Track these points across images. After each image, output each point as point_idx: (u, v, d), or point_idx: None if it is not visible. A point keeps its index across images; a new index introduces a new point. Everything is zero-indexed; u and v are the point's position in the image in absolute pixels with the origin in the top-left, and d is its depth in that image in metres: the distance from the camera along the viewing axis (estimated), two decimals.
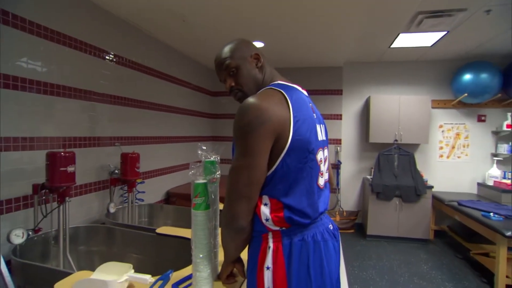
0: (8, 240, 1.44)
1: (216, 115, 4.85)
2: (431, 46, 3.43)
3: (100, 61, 2.33)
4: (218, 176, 1.02)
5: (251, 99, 0.86)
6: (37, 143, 1.81)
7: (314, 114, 0.99)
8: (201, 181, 0.97)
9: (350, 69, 4.43)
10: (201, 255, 0.96)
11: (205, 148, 1.07)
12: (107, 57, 2.40)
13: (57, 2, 1.95)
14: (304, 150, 0.88)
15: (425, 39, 3.21)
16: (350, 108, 4.48)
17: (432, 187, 3.79)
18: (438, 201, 3.80)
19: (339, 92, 4.44)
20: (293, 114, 0.87)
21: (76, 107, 2.11)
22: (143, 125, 2.89)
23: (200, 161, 1.05)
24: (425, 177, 4.00)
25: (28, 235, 1.55)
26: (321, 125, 1.04)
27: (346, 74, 4.45)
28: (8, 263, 1.57)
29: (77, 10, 2.10)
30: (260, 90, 0.95)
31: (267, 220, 0.88)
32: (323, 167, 0.99)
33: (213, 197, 1.01)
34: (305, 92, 1.05)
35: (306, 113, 0.92)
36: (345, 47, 3.46)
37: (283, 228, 0.89)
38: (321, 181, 0.97)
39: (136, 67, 2.77)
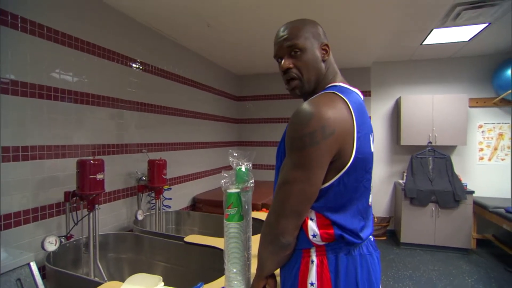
0: (42, 247, 1.46)
1: (242, 120, 4.82)
2: (469, 40, 3.19)
3: (127, 69, 2.36)
4: (251, 184, 0.95)
5: (312, 105, 0.76)
6: (68, 151, 1.85)
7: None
8: (234, 190, 0.91)
9: (379, 69, 4.24)
10: (234, 270, 0.90)
11: (236, 154, 1.00)
12: (134, 65, 2.43)
13: (86, 13, 1.99)
14: (363, 169, 0.80)
15: (462, 33, 2.99)
16: (379, 110, 4.29)
17: (472, 192, 3.51)
18: (480, 207, 3.51)
19: (367, 93, 4.26)
20: (356, 128, 0.77)
21: (104, 115, 2.14)
22: (169, 132, 2.91)
23: (226, 168, 0.99)
24: (464, 181, 3.71)
25: (61, 242, 1.56)
26: (371, 133, 0.93)
27: (374, 74, 4.26)
28: (42, 269, 1.60)
29: (105, 20, 2.15)
30: (320, 93, 0.84)
31: (314, 236, 0.81)
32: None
33: (246, 207, 0.94)
34: (362, 96, 0.93)
35: (367, 125, 0.83)
36: (374, 47, 3.31)
37: (329, 242, 0.81)
38: (370, 198, 0.91)
39: (162, 74, 2.79)
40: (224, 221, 0.91)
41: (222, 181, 0.91)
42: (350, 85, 0.91)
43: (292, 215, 0.78)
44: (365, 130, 0.81)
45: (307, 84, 0.88)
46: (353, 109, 0.79)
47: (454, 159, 3.85)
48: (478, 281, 2.89)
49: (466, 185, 3.62)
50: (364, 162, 0.80)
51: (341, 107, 0.78)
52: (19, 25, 1.58)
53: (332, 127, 0.73)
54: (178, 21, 2.49)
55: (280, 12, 2.33)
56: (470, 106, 3.86)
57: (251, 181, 0.96)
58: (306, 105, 0.77)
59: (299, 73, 0.87)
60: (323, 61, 0.88)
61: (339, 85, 0.87)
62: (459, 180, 3.59)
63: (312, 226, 0.80)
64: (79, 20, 1.93)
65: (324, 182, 0.78)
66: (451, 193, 3.49)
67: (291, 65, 0.86)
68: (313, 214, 0.81)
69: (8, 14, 1.53)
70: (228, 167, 1.01)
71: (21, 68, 1.60)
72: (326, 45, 0.89)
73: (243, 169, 0.99)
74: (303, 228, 0.82)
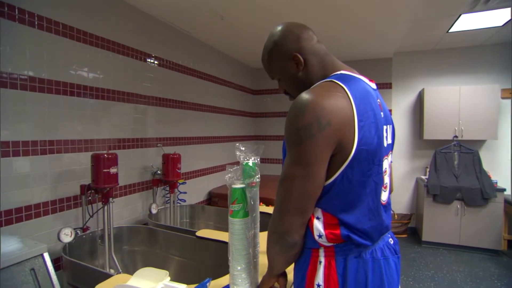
0: (58, 238, 1.50)
1: (259, 113, 4.79)
2: (503, 25, 2.96)
3: (143, 64, 2.38)
4: (257, 180, 0.92)
5: (306, 96, 0.72)
6: (85, 145, 1.89)
7: (382, 113, 0.82)
8: (239, 185, 0.88)
9: (401, 60, 4.05)
10: (239, 268, 0.87)
11: (243, 148, 0.97)
12: (149, 60, 2.45)
13: (100, 9, 2.01)
14: (369, 162, 0.73)
15: (494, 18, 2.77)
16: (400, 103, 4.11)
17: (504, 189, 3.29)
18: None
19: (388, 85, 4.09)
20: (357, 117, 0.71)
21: (120, 109, 2.17)
22: (185, 126, 2.92)
23: (238, 163, 0.96)
24: (494, 178, 3.48)
25: (76, 233, 1.61)
26: (388, 125, 0.87)
27: (396, 65, 4.07)
28: (60, 260, 1.65)
29: (119, 15, 2.16)
30: (318, 83, 0.80)
31: (320, 236, 0.76)
32: (387, 179, 0.84)
33: (252, 203, 0.90)
34: (372, 85, 0.86)
35: (373, 114, 0.75)
36: (395, 36, 3.15)
37: (337, 243, 0.76)
38: (384, 196, 0.83)
39: (178, 68, 2.80)
40: (229, 217, 0.88)
41: (227, 176, 0.88)
42: (360, 73, 0.85)
43: (295, 213, 0.74)
44: (371, 119, 0.74)
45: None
46: (352, 96, 0.72)
47: (483, 154, 3.62)
48: (509, 285, 2.71)
49: (496, 182, 3.40)
50: (370, 154, 0.73)
51: (338, 95, 0.72)
52: (36, 22, 1.62)
53: (327, 118, 0.68)
54: (192, 14, 2.47)
55: (294, 1, 2.25)
56: (502, 98, 3.60)
57: (257, 176, 0.92)
58: (300, 97, 0.73)
59: (290, 94, 0.93)
60: (301, 70, 0.86)
61: (341, 73, 0.82)
62: (488, 177, 3.38)
63: (318, 226, 0.76)
64: (93, 16, 1.95)
65: (327, 179, 0.73)
66: (479, 190, 3.29)
67: (281, 90, 0.96)
68: (319, 213, 0.76)
69: (26, 13, 1.57)
70: None
71: (39, 65, 1.64)
72: (295, 55, 0.85)
73: (250, 163, 0.95)
74: (310, 227, 0.77)
